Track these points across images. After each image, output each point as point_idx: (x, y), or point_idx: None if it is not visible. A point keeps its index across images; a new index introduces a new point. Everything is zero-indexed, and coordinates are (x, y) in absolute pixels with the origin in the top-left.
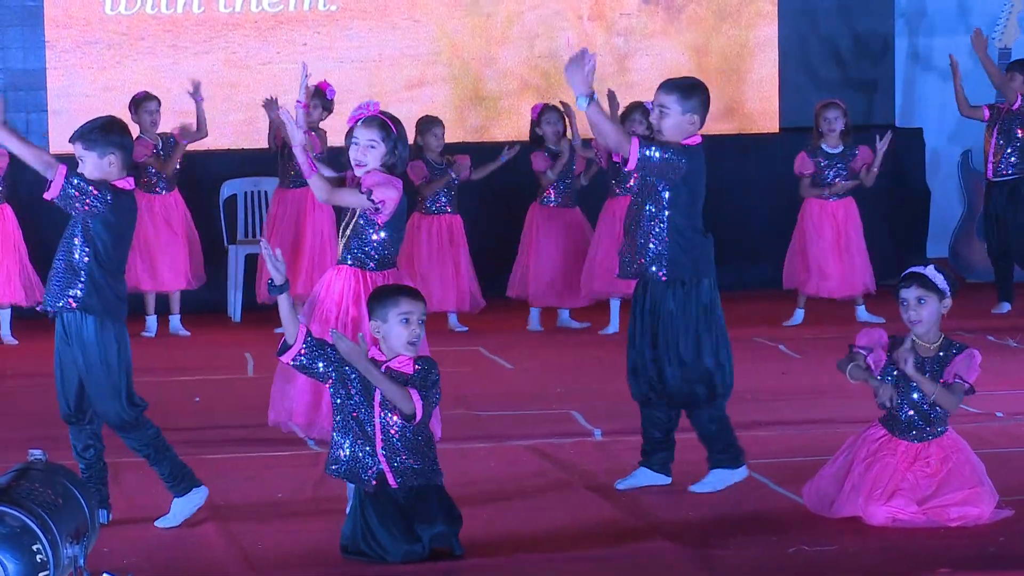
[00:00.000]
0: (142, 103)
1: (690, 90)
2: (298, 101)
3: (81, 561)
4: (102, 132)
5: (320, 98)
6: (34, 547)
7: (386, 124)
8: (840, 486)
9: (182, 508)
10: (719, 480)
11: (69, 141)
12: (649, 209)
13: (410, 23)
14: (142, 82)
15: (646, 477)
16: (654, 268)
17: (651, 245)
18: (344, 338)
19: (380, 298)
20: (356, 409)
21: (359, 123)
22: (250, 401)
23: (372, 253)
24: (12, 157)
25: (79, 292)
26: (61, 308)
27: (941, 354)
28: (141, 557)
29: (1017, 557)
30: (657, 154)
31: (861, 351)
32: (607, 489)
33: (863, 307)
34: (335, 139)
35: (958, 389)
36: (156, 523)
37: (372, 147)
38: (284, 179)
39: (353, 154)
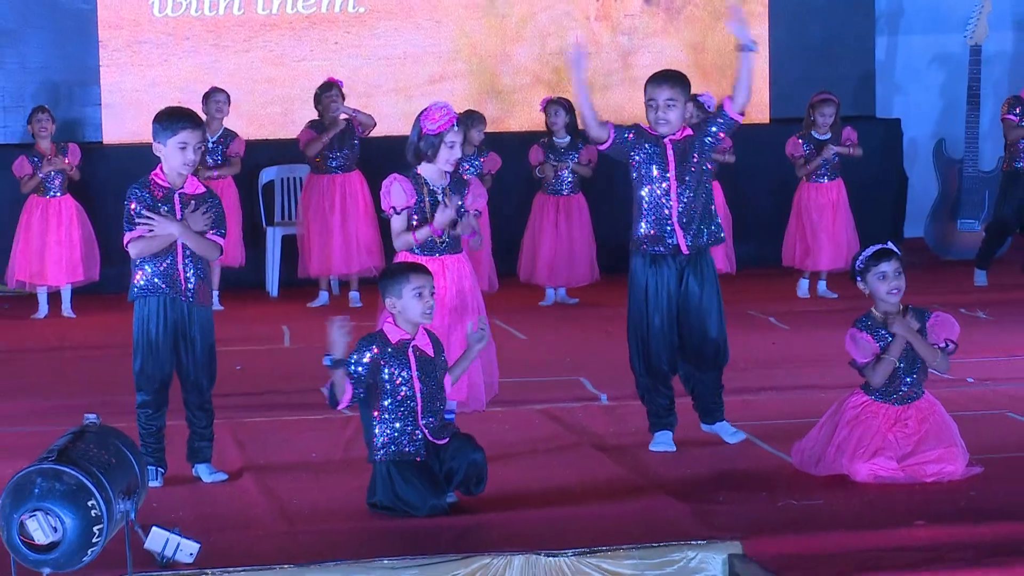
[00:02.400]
0: (210, 96)
1: (685, 79)
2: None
3: (132, 515)
4: None
5: (338, 91)
6: (89, 503)
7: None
8: (825, 447)
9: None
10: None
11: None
12: (707, 187)
13: (432, 23)
14: (187, 78)
15: (670, 438)
16: (721, 234)
17: (715, 216)
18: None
19: (392, 276)
20: (401, 390)
21: (455, 127)
22: (286, 369)
23: None
24: (92, 159)
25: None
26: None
27: (912, 322)
28: (187, 511)
29: (986, 510)
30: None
31: (868, 361)
32: (613, 449)
33: (824, 283)
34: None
35: (947, 352)
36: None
37: (461, 147)
38: (314, 166)
39: (458, 155)
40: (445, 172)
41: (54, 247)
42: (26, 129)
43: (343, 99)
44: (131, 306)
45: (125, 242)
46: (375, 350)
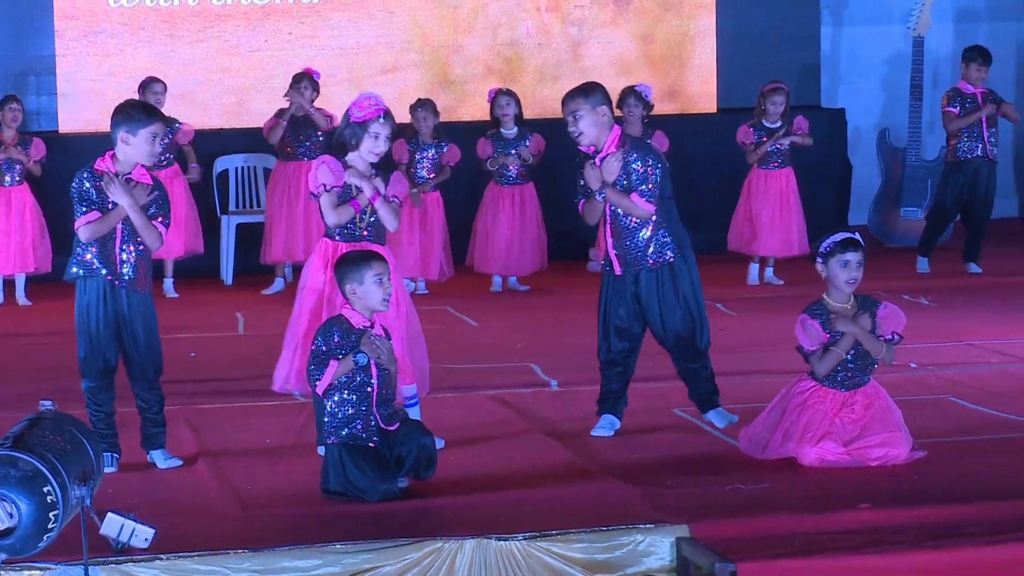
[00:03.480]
0: (147, 86)
1: (589, 88)
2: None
3: (88, 501)
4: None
5: (310, 81)
6: (45, 489)
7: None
8: (773, 432)
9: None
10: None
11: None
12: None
13: (385, 14)
14: (143, 68)
15: (614, 423)
16: (668, 253)
17: (655, 241)
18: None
19: (353, 262)
20: (359, 376)
21: (382, 119)
22: (240, 356)
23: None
24: (47, 148)
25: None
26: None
27: (859, 311)
28: (142, 497)
29: (928, 494)
30: (653, 187)
31: (816, 350)
32: (563, 434)
33: (771, 269)
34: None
35: (893, 344)
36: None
37: (388, 140)
38: (282, 154)
39: (383, 148)
40: (369, 163)
41: (3, 236)
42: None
43: (315, 90)
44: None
45: (76, 225)
46: (338, 335)
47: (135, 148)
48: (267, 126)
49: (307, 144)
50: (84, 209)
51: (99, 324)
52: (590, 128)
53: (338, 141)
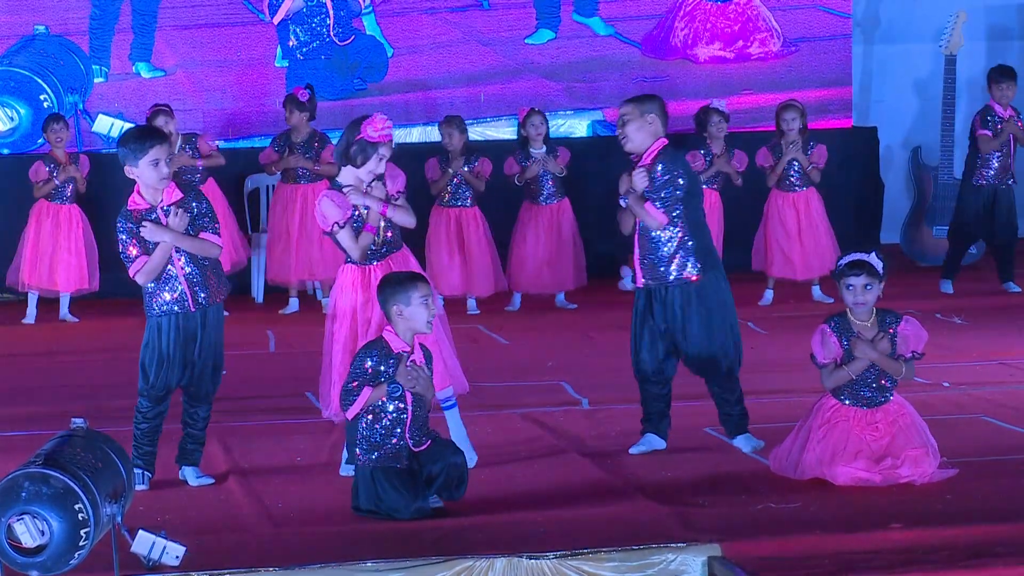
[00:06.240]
0: (152, 119)
1: (644, 96)
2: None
3: (119, 519)
4: None
5: (295, 104)
6: (76, 506)
7: None
8: (802, 452)
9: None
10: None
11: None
12: (669, 228)
13: None
14: (187, 85)
15: (655, 441)
16: (691, 272)
17: (678, 257)
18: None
19: (399, 283)
20: (393, 402)
21: (391, 143)
22: (271, 374)
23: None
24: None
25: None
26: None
27: (879, 332)
28: (174, 515)
29: (960, 513)
30: (668, 198)
31: (828, 364)
32: (594, 453)
33: (818, 287)
34: None
35: (913, 361)
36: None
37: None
38: (283, 175)
39: (383, 171)
40: (363, 180)
41: (63, 254)
42: (36, 138)
43: (302, 110)
44: (130, 311)
45: (131, 275)
46: (376, 359)
47: (142, 177)
48: (266, 159)
49: (304, 168)
50: (133, 255)
51: (171, 348)
52: (635, 133)
53: (340, 155)
